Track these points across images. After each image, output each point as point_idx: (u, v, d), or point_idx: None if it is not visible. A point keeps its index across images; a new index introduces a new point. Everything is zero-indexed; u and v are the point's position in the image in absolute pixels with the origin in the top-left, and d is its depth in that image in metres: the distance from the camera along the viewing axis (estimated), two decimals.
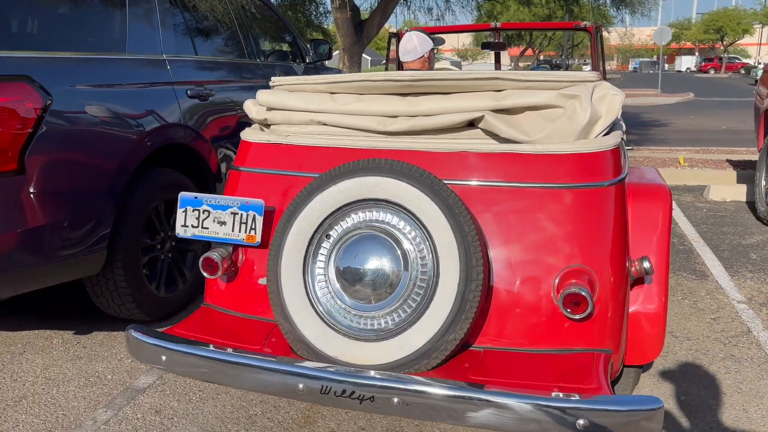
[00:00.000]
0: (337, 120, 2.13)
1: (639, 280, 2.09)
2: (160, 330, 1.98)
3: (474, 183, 1.96)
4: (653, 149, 9.43)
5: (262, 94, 2.24)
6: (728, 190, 6.23)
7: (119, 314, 3.19)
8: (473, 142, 2.01)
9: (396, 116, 2.07)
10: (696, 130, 13.16)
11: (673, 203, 6.05)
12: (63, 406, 2.61)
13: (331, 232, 1.92)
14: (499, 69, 4.34)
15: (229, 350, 1.85)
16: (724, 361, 2.99)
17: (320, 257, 1.93)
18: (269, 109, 2.23)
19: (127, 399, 2.66)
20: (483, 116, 1.95)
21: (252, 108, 2.28)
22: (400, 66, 3.53)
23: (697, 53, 71.87)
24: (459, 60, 52.54)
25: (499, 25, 3.68)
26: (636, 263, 1.97)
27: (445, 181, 1.93)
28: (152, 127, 3.14)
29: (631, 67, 76.19)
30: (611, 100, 1.99)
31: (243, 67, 4.20)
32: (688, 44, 69.54)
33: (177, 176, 3.38)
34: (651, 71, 59.46)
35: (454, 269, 1.77)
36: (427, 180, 1.84)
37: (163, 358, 1.88)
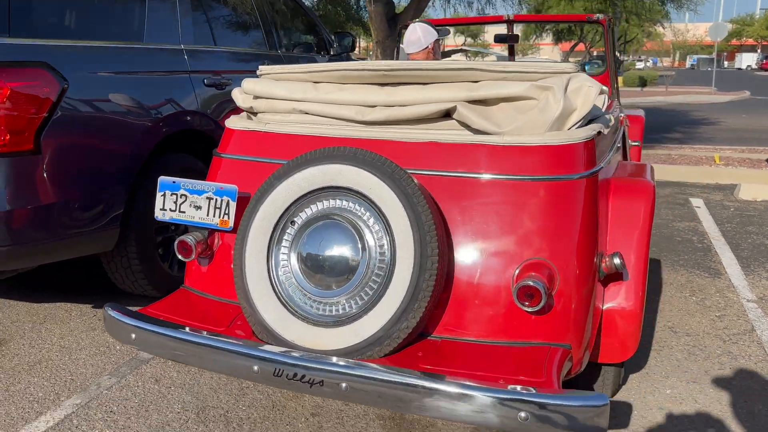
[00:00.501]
0: (318, 109, 2.17)
1: (615, 277, 2.09)
2: (134, 309, 2.07)
3: (442, 173, 1.97)
4: (696, 147, 9.22)
5: (248, 83, 2.30)
6: (760, 188, 6.06)
7: (133, 290, 3.37)
8: (444, 132, 2.02)
9: (374, 106, 2.09)
10: (746, 129, 12.74)
11: (701, 201, 5.94)
12: (72, 372, 2.80)
13: (295, 219, 1.96)
14: (514, 59, 4.35)
15: (192, 331, 1.92)
16: (719, 358, 2.97)
17: (284, 243, 1.96)
18: (255, 97, 2.29)
19: (131, 368, 2.82)
20: (456, 107, 1.96)
21: (239, 96, 2.34)
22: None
23: (759, 50, 69.07)
24: (506, 54, 51.56)
25: (512, 17, 3.68)
26: (606, 259, 1.96)
27: (415, 171, 1.95)
28: (168, 113, 3.30)
29: (688, 63, 73.81)
30: (587, 92, 1.97)
31: (263, 57, 4.33)
32: (750, 41, 66.89)
33: (192, 161, 3.54)
34: (709, 68, 57.45)
35: (409, 258, 1.79)
36: (387, 169, 1.85)
37: (133, 336, 1.97)
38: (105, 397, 2.59)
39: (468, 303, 1.91)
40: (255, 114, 2.35)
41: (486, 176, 1.93)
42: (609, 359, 2.13)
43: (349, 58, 5.59)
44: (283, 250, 1.96)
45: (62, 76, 2.75)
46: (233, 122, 2.33)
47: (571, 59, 41.70)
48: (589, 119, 2.11)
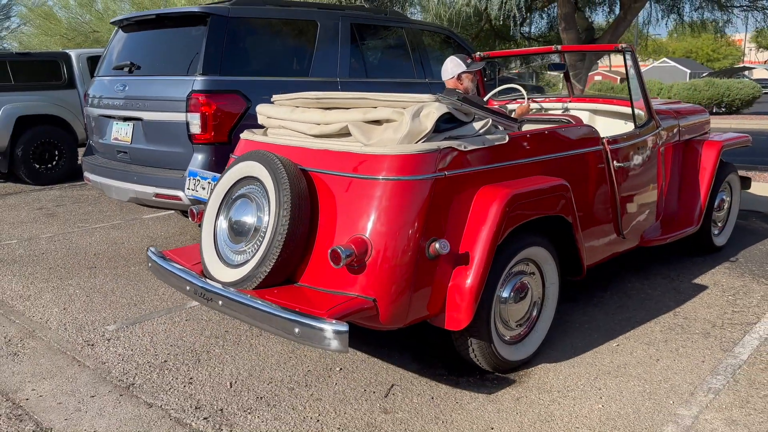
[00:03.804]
0: (291, 125, 2.98)
1: (462, 262, 2.64)
2: (160, 250, 3.17)
3: (326, 172, 2.69)
4: None
5: (259, 107, 3.21)
6: None
7: None
8: (337, 142, 2.72)
9: (319, 124, 2.84)
10: None
11: None
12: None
13: (233, 196, 2.85)
14: (570, 86, 4.99)
15: (169, 263, 2.93)
16: (693, 335, 3.48)
17: (224, 211, 2.88)
18: (268, 117, 3.17)
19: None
20: (346, 125, 2.71)
21: (258, 116, 3.25)
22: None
23: None
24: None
25: (560, 47, 4.41)
26: (433, 244, 2.53)
27: (314, 170, 2.69)
28: None
29: None
30: (432, 116, 2.57)
31: (409, 85, 5.71)
32: None
33: None
34: None
35: (271, 225, 2.61)
36: (273, 165, 2.65)
37: (150, 264, 3.10)
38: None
39: (320, 262, 2.64)
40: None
41: (349, 175, 2.62)
42: (450, 327, 2.68)
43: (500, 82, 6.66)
44: (223, 215, 2.90)
45: (248, 99, 4.49)
46: (244, 134, 3.27)
47: None
48: (454, 137, 2.70)
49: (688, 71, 33.62)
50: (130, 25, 5.13)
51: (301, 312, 2.40)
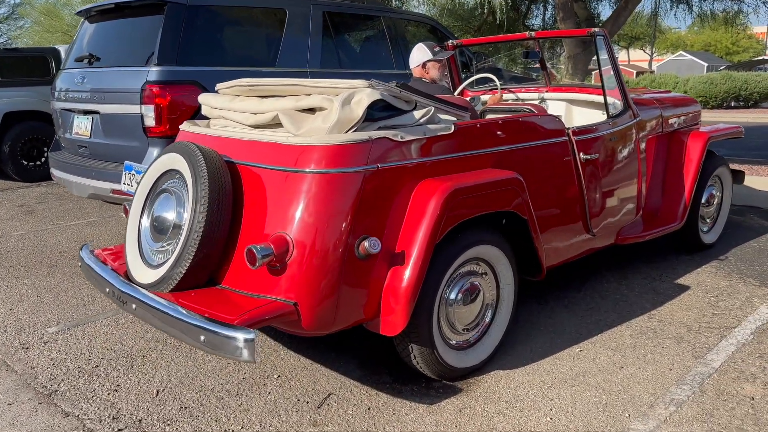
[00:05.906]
0: (230, 115, 2.78)
1: (398, 262, 2.42)
2: (92, 250, 2.98)
3: (254, 164, 2.47)
4: None
5: (201, 96, 3.00)
6: None
7: None
8: (267, 133, 2.51)
9: (256, 113, 2.63)
10: None
11: None
12: None
13: (157, 191, 2.63)
14: (546, 73, 4.71)
15: (94, 262, 2.74)
16: (665, 340, 3.24)
17: (148, 207, 2.65)
18: (212, 107, 2.95)
19: None
20: (277, 114, 2.51)
21: (202, 106, 3.03)
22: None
23: None
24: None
25: (533, 34, 4.15)
26: (363, 242, 2.31)
27: (241, 162, 2.47)
28: None
29: None
30: (363, 104, 2.36)
31: (387, 76, 5.49)
32: None
33: None
34: None
35: (188, 222, 2.40)
36: (193, 157, 2.45)
37: (80, 264, 2.89)
38: None
39: (241, 263, 2.42)
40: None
41: (276, 168, 2.40)
42: (385, 332, 2.46)
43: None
44: (146, 211, 2.68)
45: (206, 90, 4.30)
46: (183, 125, 3.06)
47: None
48: (389, 126, 2.50)
49: (706, 64, 32.91)
50: (94, 15, 4.96)
51: (208, 318, 2.19)
